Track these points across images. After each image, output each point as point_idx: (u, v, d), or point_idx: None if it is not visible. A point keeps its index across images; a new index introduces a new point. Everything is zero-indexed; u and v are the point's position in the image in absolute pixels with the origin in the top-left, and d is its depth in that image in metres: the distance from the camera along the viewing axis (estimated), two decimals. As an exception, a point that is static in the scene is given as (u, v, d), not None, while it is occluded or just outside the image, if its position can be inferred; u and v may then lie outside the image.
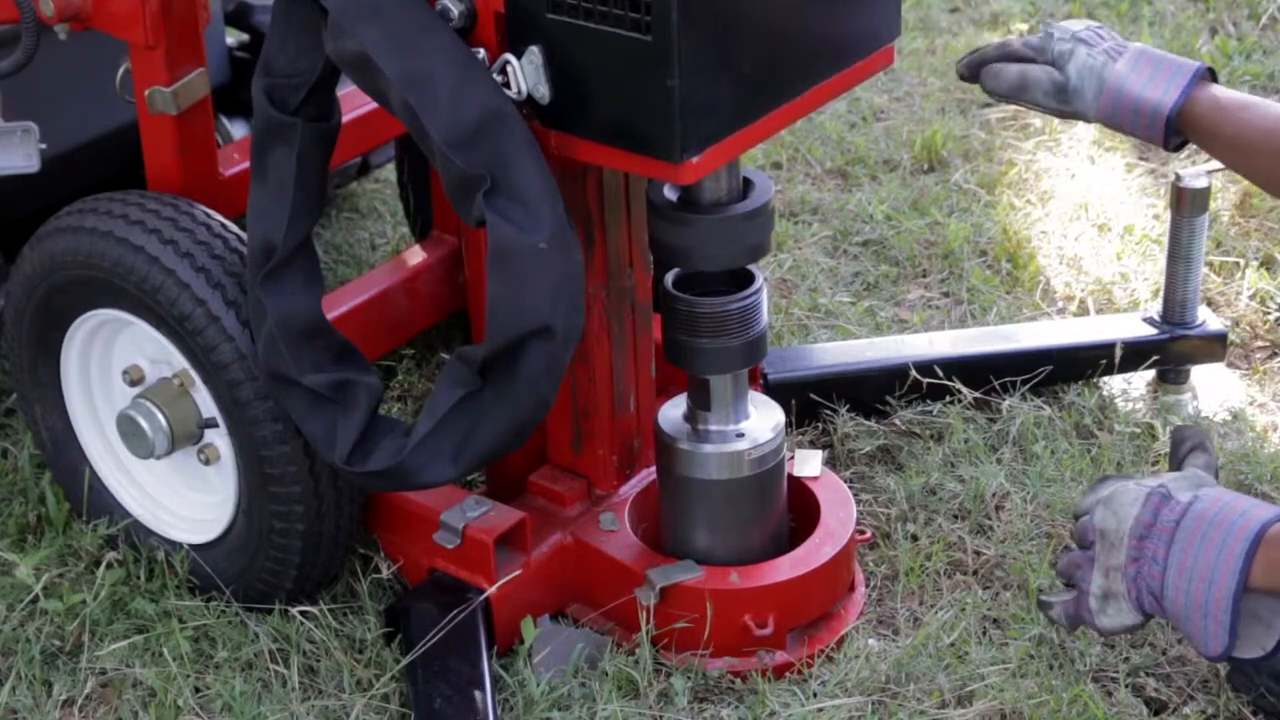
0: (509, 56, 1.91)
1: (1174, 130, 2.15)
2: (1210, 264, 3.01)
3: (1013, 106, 3.72)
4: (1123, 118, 2.17)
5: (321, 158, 2.06)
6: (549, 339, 1.89)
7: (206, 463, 2.23)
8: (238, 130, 2.99)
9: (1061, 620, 2.03)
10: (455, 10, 1.93)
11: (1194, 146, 2.22)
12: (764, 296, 2.13)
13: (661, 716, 2.09)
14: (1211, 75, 2.17)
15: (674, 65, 1.79)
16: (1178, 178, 2.59)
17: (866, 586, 2.31)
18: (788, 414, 2.29)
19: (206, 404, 2.18)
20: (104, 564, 2.31)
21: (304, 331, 2.03)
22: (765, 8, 1.90)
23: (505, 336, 1.89)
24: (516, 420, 1.95)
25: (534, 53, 1.90)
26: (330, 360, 2.05)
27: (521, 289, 1.87)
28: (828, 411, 2.60)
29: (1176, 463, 2.05)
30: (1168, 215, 2.67)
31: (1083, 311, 2.94)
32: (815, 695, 2.11)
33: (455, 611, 2.11)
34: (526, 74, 1.91)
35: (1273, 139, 2.12)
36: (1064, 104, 2.19)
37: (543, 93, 1.92)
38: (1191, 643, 1.94)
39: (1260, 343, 2.85)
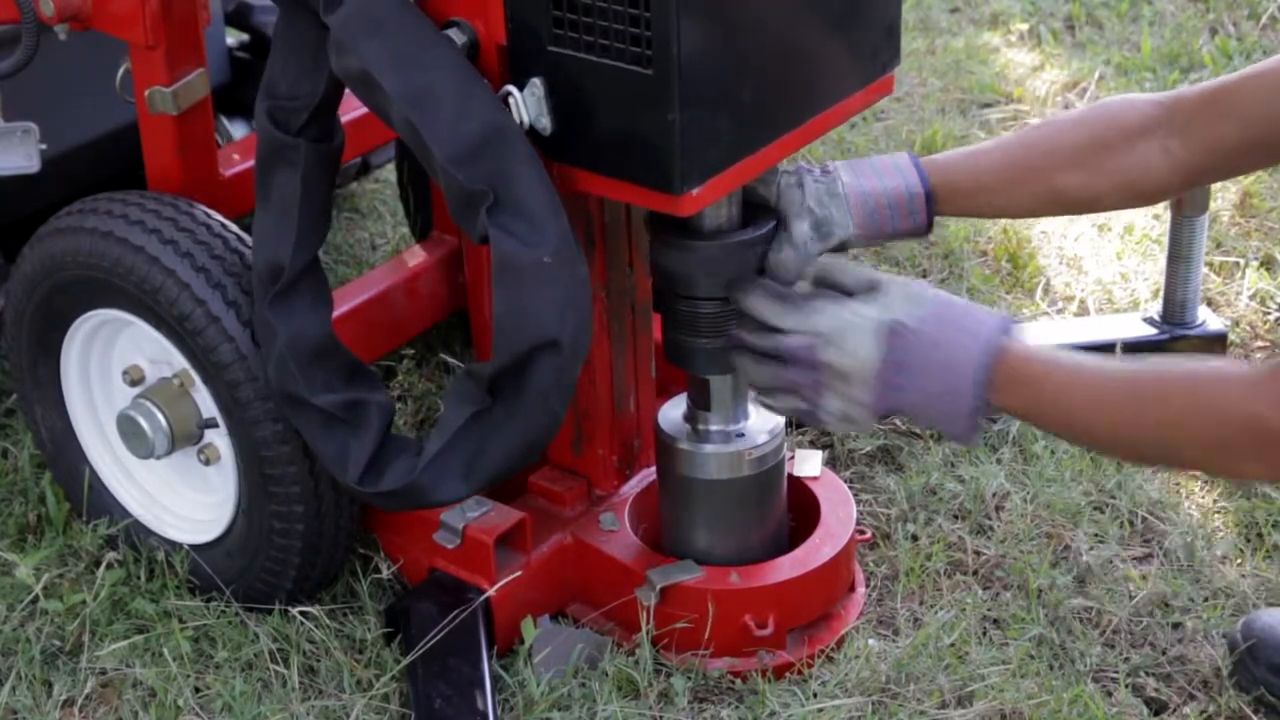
0: (511, 88, 1.92)
1: (933, 206, 2.08)
2: (1210, 264, 3.01)
3: (1013, 106, 3.73)
4: (881, 218, 2.07)
5: (326, 179, 2.06)
6: (556, 353, 1.88)
7: (206, 463, 2.23)
8: (238, 130, 2.99)
9: (785, 413, 2.03)
10: (458, 41, 1.94)
11: None
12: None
13: (661, 716, 2.09)
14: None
15: (674, 99, 1.80)
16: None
17: (866, 586, 2.31)
18: (788, 414, 2.29)
19: (206, 404, 2.18)
20: (104, 564, 2.30)
21: (315, 352, 2.03)
22: (766, 41, 1.90)
23: (512, 352, 1.88)
24: (527, 436, 1.94)
25: (536, 84, 1.90)
26: (341, 380, 2.05)
27: (527, 303, 1.87)
28: (828, 411, 2.60)
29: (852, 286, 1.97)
30: (1168, 215, 2.67)
31: (1083, 311, 2.94)
32: (815, 695, 2.11)
33: (455, 611, 2.11)
34: (528, 105, 1.91)
35: (1011, 170, 2.10)
36: (825, 240, 2.07)
37: (545, 124, 1.92)
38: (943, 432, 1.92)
39: (1260, 343, 2.85)
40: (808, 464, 2.33)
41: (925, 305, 1.87)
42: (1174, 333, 2.68)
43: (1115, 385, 1.78)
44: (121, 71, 2.24)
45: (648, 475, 2.31)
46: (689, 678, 2.13)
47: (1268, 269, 3.00)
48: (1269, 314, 2.90)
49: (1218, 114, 2.00)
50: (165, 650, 2.19)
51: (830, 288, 1.94)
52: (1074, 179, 2.08)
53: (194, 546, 2.29)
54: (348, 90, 2.03)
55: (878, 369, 1.86)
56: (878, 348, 1.86)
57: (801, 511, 2.28)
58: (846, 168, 2.10)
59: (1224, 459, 1.76)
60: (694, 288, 2.05)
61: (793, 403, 1.95)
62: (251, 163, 2.45)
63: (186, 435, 2.21)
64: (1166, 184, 2.06)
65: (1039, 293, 2.98)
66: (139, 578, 2.31)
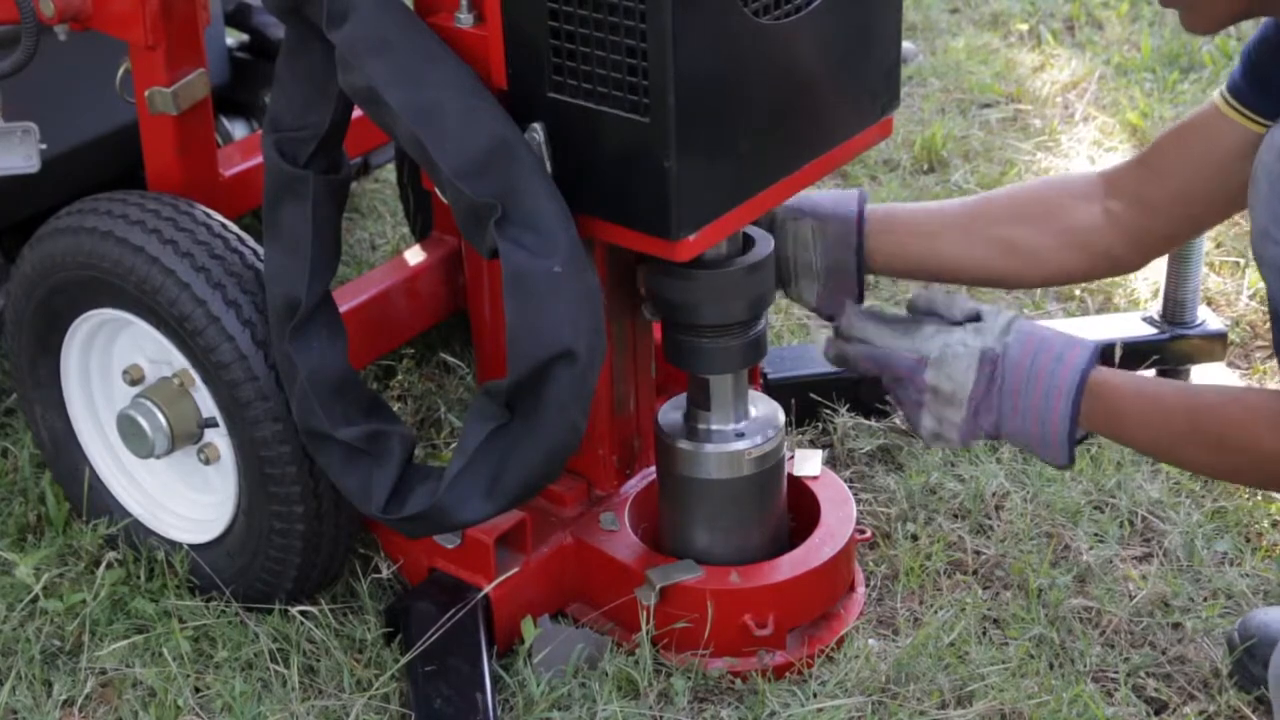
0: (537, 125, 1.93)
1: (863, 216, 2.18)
2: (1210, 264, 3.01)
3: (1013, 106, 3.73)
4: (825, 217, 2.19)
5: (335, 210, 2.07)
6: (572, 363, 1.87)
7: (206, 463, 2.23)
8: (238, 130, 2.99)
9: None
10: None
11: None
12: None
13: (661, 716, 2.09)
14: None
15: (671, 147, 1.81)
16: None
17: (866, 586, 2.31)
18: (788, 414, 2.29)
19: (206, 404, 2.18)
20: (104, 564, 2.30)
21: (335, 385, 2.03)
22: (763, 89, 1.91)
23: (528, 364, 1.87)
24: (548, 449, 1.92)
25: (536, 129, 1.91)
26: (361, 413, 2.05)
27: (540, 314, 1.86)
28: (828, 411, 2.60)
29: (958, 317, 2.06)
30: (1168, 215, 2.67)
31: (1083, 311, 2.94)
32: (815, 695, 2.11)
33: (455, 611, 2.11)
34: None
35: (958, 219, 2.19)
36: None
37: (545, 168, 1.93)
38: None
39: (1260, 342, 2.85)
40: (808, 464, 2.33)
41: (1021, 336, 1.97)
42: (1174, 332, 2.68)
43: (1179, 421, 1.91)
44: (121, 71, 2.24)
45: (648, 475, 2.31)
46: (689, 678, 2.13)
47: (1268, 269, 3.00)
48: (1269, 313, 2.89)
49: (1147, 175, 2.11)
50: (165, 650, 2.19)
51: (933, 316, 2.03)
52: (1022, 231, 2.17)
53: (194, 546, 2.29)
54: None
55: (972, 393, 1.96)
56: (976, 374, 1.96)
57: (801, 511, 2.28)
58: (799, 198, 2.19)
59: (1272, 484, 2.03)
60: (696, 317, 2.07)
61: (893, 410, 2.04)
62: (251, 162, 2.47)
63: (186, 435, 2.21)
64: (1112, 244, 2.15)
65: (1039, 292, 2.97)
66: (139, 578, 2.31)
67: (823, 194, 2.21)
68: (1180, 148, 2.08)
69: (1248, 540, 2.38)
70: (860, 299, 2.21)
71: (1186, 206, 2.10)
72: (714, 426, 2.17)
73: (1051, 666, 2.16)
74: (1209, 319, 2.71)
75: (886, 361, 2.02)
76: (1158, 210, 2.10)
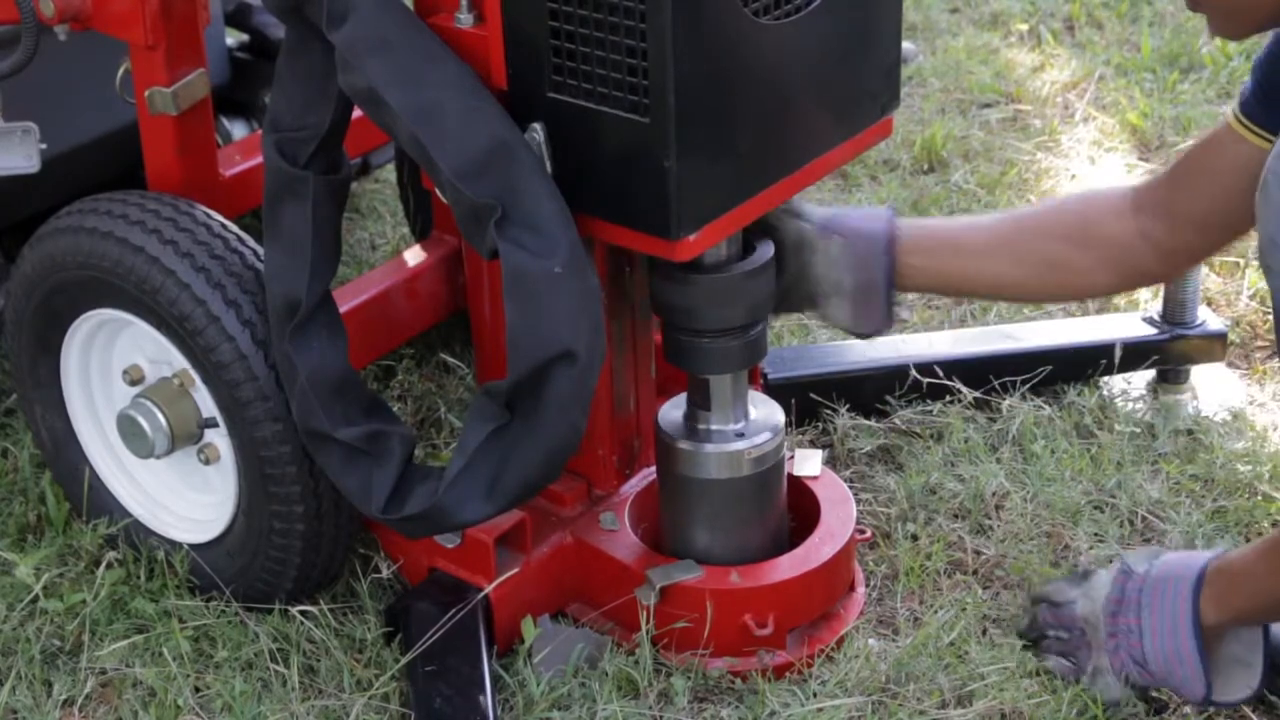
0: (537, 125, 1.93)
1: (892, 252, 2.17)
2: (1210, 264, 3.01)
3: (1013, 106, 3.73)
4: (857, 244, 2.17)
5: (335, 210, 2.07)
6: (572, 364, 1.87)
7: (206, 463, 2.23)
8: (238, 130, 2.99)
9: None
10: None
11: None
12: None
13: (661, 716, 2.09)
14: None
15: (670, 147, 1.81)
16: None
17: (866, 586, 2.31)
18: (788, 414, 2.29)
19: (206, 404, 2.18)
20: (104, 564, 2.30)
21: (335, 386, 2.03)
22: (763, 88, 1.91)
23: (528, 365, 1.87)
24: (548, 450, 1.92)
25: (536, 129, 1.91)
26: (361, 413, 2.05)
27: (540, 315, 1.86)
28: (828, 411, 2.60)
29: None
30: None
31: (1083, 311, 2.94)
32: (815, 695, 2.11)
33: (455, 611, 2.11)
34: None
35: (988, 231, 2.19)
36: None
37: (545, 168, 1.92)
38: (1181, 696, 2.05)
39: (1260, 343, 2.85)
40: (808, 464, 2.33)
41: (1160, 555, 2.06)
42: (1174, 332, 2.68)
43: None
44: (121, 71, 2.25)
45: (648, 475, 2.31)
46: (689, 677, 2.13)
47: (1268, 269, 3.00)
48: (1269, 314, 2.90)
49: (1173, 192, 2.10)
50: (165, 650, 2.19)
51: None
52: (1061, 249, 2.16)
53: (194, 546, 2.29)
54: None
55: (1104, 605, 2.05)
56: (1110, 586, 2.06)
57: (801, 511, 2.28)
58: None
59: None
60: (696, 321, 2.07)
61: (1066, 665, 2.13)
62: (251, 162, 2.47)
63: (186, 435, 2.21)
64: (1145, 260, 2.14)
65: (1039, 293, 2.97)
66: (139, 577, 2.31)
67: (853, 211, 2.19)
68: (1201, 166, 2.08)
69: (1248, 540, 2.38)
70: (889, 319, 2.20)
71: (1211, 224, 2.09)
72: (714, 426, 2.17)
73: (1051, 666, 2.16)
74: (1209, 319, 2.71)
75: (1063, 616, 2.12)
76: (1185, 227, 2.10)
